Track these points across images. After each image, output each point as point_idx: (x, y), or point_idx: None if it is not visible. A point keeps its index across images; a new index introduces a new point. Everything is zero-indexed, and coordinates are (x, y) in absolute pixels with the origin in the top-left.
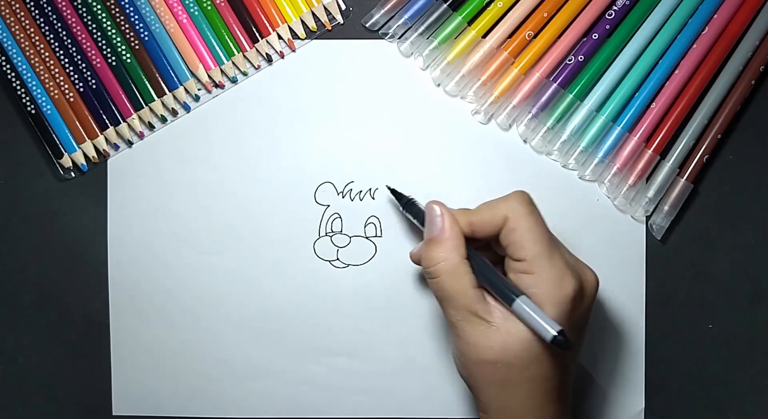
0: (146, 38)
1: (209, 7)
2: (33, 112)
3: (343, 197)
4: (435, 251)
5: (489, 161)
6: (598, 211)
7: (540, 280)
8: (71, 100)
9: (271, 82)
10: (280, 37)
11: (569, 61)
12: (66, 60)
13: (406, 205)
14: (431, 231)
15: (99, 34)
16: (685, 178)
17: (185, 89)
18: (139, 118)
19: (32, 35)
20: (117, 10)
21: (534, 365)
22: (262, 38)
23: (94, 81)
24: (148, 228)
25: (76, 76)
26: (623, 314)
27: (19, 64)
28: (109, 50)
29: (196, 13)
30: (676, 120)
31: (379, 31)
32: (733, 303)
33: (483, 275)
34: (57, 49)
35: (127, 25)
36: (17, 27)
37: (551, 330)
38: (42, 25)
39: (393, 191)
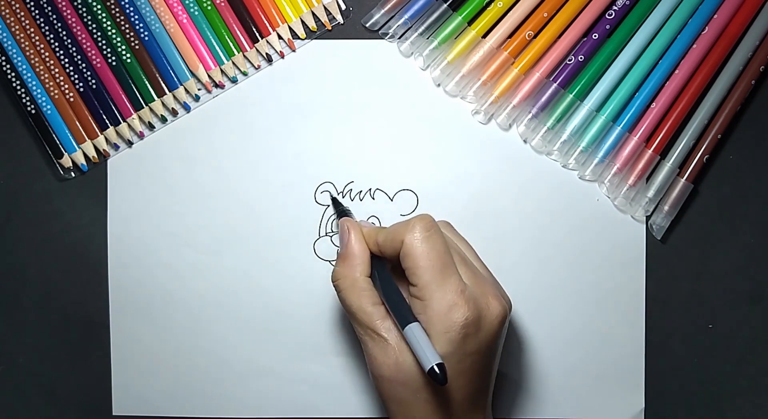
0: (146, 38)
1: (209, 7)
2: (33, 112)
3: (343, 197)
4: (338, 267)
5: (489, 161)
6: (598, 211)
7: (429, 307)
8: (71, 100)
9: (271, 82)
10: (280, 37)
11: (569, 61)
12: (66, 60)
13: (339, 214)
14: (340, 247)
15: (99, 34)
16: (685, 178)
17: (185, 89)
18: (139, 118)
19: (32, 35)
20: (117, 10)
21: (426, 389)
22: (262, 38)
23: (94, 81)
24: (148, 228)
25: (76, 76)
26: (623, 314)
27: (19, 64)
28: (109, 50)
29: (196, 13)
30: (676, 120)
31: (379, 31)
32: (733, 303)
33: (386, 295)
34: (57, 49)
35: (127, 25)
36: (17, 27)
37: (429, 362)
38: (42, 25)
39: (333, 200)
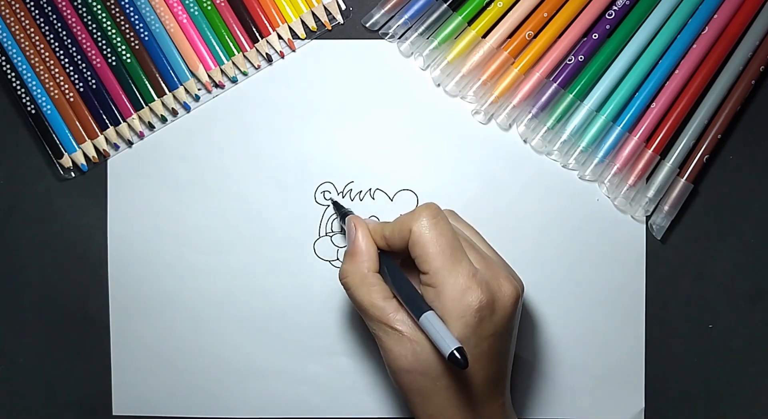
0: (146, 38)
1: (209, 7)
2: (33, 112)
3: (343, 197)
4: (346, 264)
5: (489, 161)
6: (598, 211)
7: (442, 294)
8: (71, 100)
9: (271, 82)
10: (280, 37)
11: (569, 61)
12: (66, 60)
13: (342, 215)
14: (348, 245)
15: (99, 34)
16: (685, 178)
17: (185, 89)
18: (139, 118)
19: (32, 35)
20: (117, 10)
21: (446, 376)
22: (262, 38)
23: (94, 81)
24: (148, 228)
25: (76, 76)
26: (623, 314)
27: (19, 64)
28: (109, 50)
29: (196, 13)
30: (676, 120)
31: (379, 31)
32: (733, 303)
33: (397, 288)
34: (57, 49)
35: (127, 25)
36: (17, 27)
37: (448, 347)
38: (42, 25)
39: (335, 204)
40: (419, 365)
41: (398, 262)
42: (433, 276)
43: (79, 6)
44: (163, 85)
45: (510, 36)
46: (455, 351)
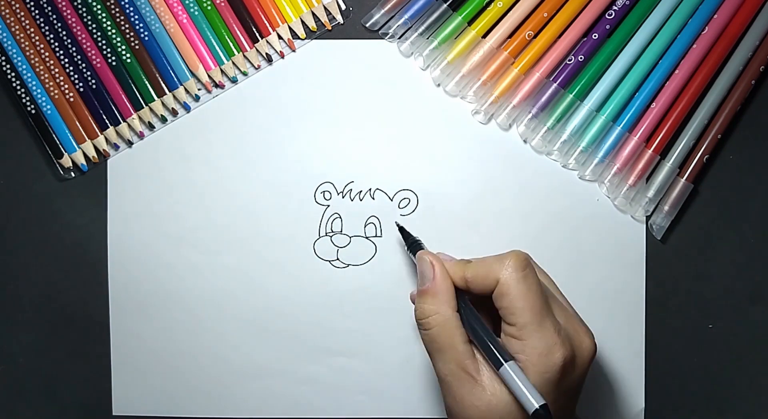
0: (146, 38)
1: (209, 7)
2: (33, 112)
3: (343, 197)
4: (427, 303)
5: (489, 161)
6: (598, 211)
7: (528, 348)
8: (71, 100)
9: (271, 82)
10: (280, 37)
11: (569, 61)
12: (66, 60)
13: (411, 245)
14: (422, 282)
15: (99, 34)
16: (685, 178)
17: (185, 89)
18: (139, 118)
19: (32, 35)
20: (117, 10)
21: None
22: (262, 38)
23: (94, 81)
24: (148, 228)
25: (76, 76)
26: (623, 314)
27: (19, 64)
28: (109, 50)
29: (196, 13)
30: (676, 120)
31: (379, 31)
32: (733, 303)
33: (474, 332)
34: (57, 49)
35: (127, 25)
36: (17, 27)
37: (533, 404)
38: (42, 25)
39: (401, 229)
40: (491, 416)
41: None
42: (520, 330)
43: (79, 6)
44: (163, 85)
45: (510, 36)
46: (540, 409)
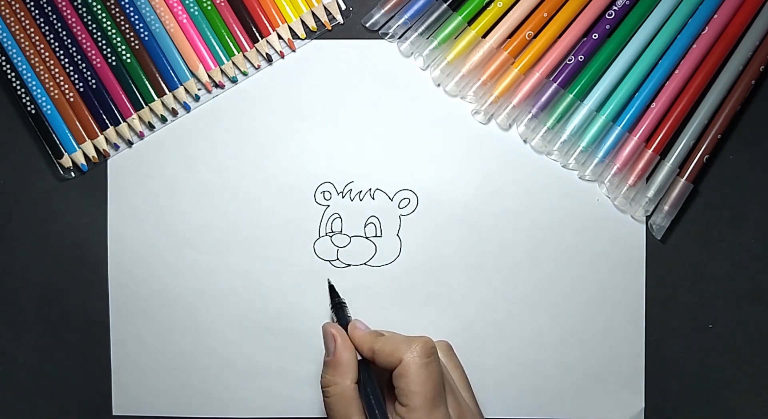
0: (146, 38)
1: (209, 7)
2: (33, 112)
3: (343, 197)
4: (328, 374)
5: (489, 161)
6: (598, 211)
7: None
8: (71, 100)
9: (271, 82)
10: (280, 37)
11: (569, 61)
12: (66, 60)
13: (334, 306)
14: (326, 353)
15: (99, 34)
16: (685, 178)
17: (185, 89)
18: (139, 118)
19: (32, 35)
20: (117, 10)
21: None
22: (262, 38)
23: (94, 81)
24: (148, 228)
25: (76, 76)
26: (623, 314)
27: (19, 64)
28: (109, 50)
29: (196, 13)
30: (676, 120)
31: (379, 31)
32: (733, 303)
33: (369, 408)
34: (57, 49)
35: (127, 25)
36: (17, 27)
37: None
38: (42, 25)
39: (331, 288)
40: None
41: (377, 374)
42: (410, 413)
43: (79, 6)
44: (163, 85)
45: (510, 36)
46: None
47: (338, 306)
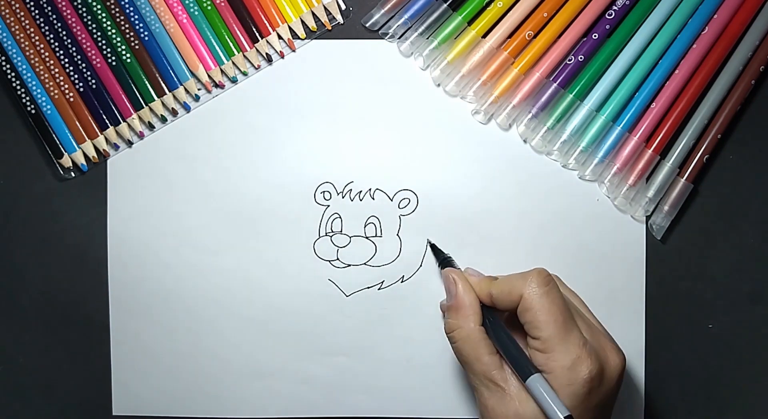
0: (146, 38)
1: (209, 7)
2: (33, 112)
3: (343, 197)
4: (451, 318)
5: (489, 161)
6: (598, 211)
7: (553, 361)
8: (71, 100)
9: (271, 82)
10: (280, 37)
11: (569, 61)
12: (66, 60)
13: (442, 262)
14: (448, 299)
15: (99, 34)
16: (685, 178)
17: (185, 89)
18: (139, 118)
19: (32, 35)
20: (117, 10)
21: None
22: (262, 38)
23: (94, 81)
24: (148, 228)
25: (76, 76)
26: (623, 314)
27: (19, 64)
28: (109, 50)
29: (196, 13)
30: (676, 120)
31: (379, 31)
32: (733, 303)
33: (501, 345)
34: (57, 49)
35: (127, 25)
36: (17, 27)
37: (557, 415)
38: (42, 25)
39: (433, 247)
40: None
41: (503, 317)
42: (544, 343)
43: (79, 6)
44: (163, 85)
45: (510, 36)
46: None
47: (445, 261)
